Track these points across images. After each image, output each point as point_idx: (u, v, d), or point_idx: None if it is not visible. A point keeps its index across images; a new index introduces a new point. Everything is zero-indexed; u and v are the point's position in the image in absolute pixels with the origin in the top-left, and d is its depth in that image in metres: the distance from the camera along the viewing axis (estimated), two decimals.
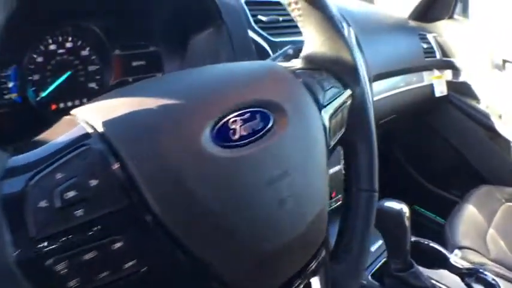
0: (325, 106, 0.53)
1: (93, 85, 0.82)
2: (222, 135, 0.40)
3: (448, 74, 1.84)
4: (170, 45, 0.87)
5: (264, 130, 0.43)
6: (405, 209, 0.89)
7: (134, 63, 0.85)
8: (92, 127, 0.37)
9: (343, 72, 0.59)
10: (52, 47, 0.77)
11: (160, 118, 0.38)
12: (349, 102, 0.58)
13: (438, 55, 1.81)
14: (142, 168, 0.35)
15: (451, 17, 1.90)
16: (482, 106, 1.77)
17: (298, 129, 0.46)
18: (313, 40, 0.59)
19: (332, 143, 0.55)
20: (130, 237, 0.35)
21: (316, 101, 0.52)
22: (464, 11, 1.93)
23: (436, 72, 1.79)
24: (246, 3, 0.94)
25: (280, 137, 0.44)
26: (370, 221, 0.59)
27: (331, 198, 0.99)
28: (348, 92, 0.58)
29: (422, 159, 1.95)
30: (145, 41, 0.86)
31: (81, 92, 0.81)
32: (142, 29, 0.85)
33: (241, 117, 0.42)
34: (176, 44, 0.87)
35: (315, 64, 0.58)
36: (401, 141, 1.98)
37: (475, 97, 1.80)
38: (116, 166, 0.35)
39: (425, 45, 1.75)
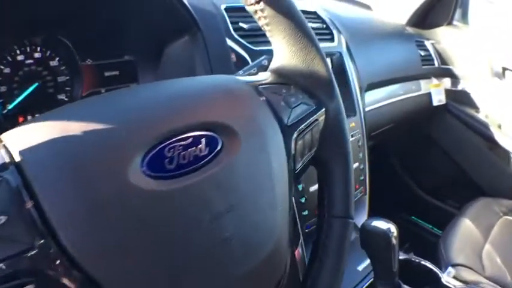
0: (289, 126, 0.48)
1: (62, 97, 0.78)
2: (155, 165, 0.35)
3: (446, 82, 1.79)
4: (145, 54, 0.83)
5: (209, 157, 0.39)
6: (393, 228, 0.84)
7: (107, 74, 0.82)
8: (11, 156, 0.33)
9: (316, 87, 0.54)
10: (20, 57, 0.74)
11: (84, 147, 0.34)
12: (321, 119, 0.54)
13: (436, 63, 1.76)
14: (58, 207, 0.31)
15: (450, 23, 1.85)
16: (481, 115, 1.72)
17: (252, 154, 0.42)
18: (283, 51, 0.54)
19: (299, 166, 0.50)
20: (43, 280, 0.31)
21: (279, 120, 0.47)
22: (464, 17, 1.88)
23: (434, 81, 1.74)
24: (226, 10, 0.90)
25: (227, 165, 0.39)
26: (343, 251, 0.54)
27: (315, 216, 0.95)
28: (320, 108, 0.54)
29: (420, 169, 1.90)
30: (119, 50, 0.82)
31: (50, 104, 0.77)
32: (115, 39, 0.81)
33: (182, 143, 0.37)
34: (151, 53, 0.83)
35: (285, 78, 0.54)
36: (399, 150, 1.93)
37: (474, 106, 1.74)
38: (29, 204, 0.31)
39: (422, 53, 1.70)
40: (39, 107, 0.76)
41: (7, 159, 0.33)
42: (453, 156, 1.79)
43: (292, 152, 0.48)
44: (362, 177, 1.08)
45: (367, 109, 1.30)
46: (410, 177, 1.92)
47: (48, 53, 0.76)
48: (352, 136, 1.05)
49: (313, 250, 0.54)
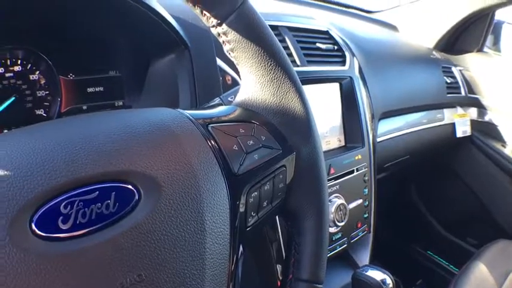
0: (239, 175, 0.41)
1: (40, 112, 0.74)
2: (48, 223, 0.29)
3: (472, 113, 1.68)
4: (131, 70, 0.78)
5: (117, 216, 0.32)
6: (388, 280, 0.76)
7: (90, 89, 0.77)
8: None
9: (287, 126, 0.46)
10: None
11: None
12: (290, 165, 0.46)
13: (463, 91, 1.65)
14: None
15: (480, 50, 1.74)
16: (507, 150, 1.60)
17: (176, 212, 0.34)
18: (251, 82, 0.46)
19: (253, 222, 0.42)
20: None
21: (226, 169, 0.40)
22: (496, 44, 1.77)
23: (460, 110, 1.63)
24: None
25: (140, 226, 0.32)
26: None
27: None
28: (289, 153, 0.46)
29: (438, 201, 1.79)
30: (104, 65, 0.78)
31: (27, 119, 0.73)
32: (100, 53, 0.76)
33: (83, 198, 0.31)
34: (138, 69, 0.78)
35: (249, 114, 0.46)
36: (416, 180, 1.82)
37: (500, 140, 1.62)
38: None
39: (449, 80, 1.60)
40: (16, 122, 0.72)
41: None
42: (475, 191, 1.68)
43: (241, 207, 0.41)
44: (366, 215, 1.00)
45: (380, 139, 1.22)
46: (428, 209, 1.82)
47: (28, 67, 0.72)
48: (357, 170, 0.97)
49: None
